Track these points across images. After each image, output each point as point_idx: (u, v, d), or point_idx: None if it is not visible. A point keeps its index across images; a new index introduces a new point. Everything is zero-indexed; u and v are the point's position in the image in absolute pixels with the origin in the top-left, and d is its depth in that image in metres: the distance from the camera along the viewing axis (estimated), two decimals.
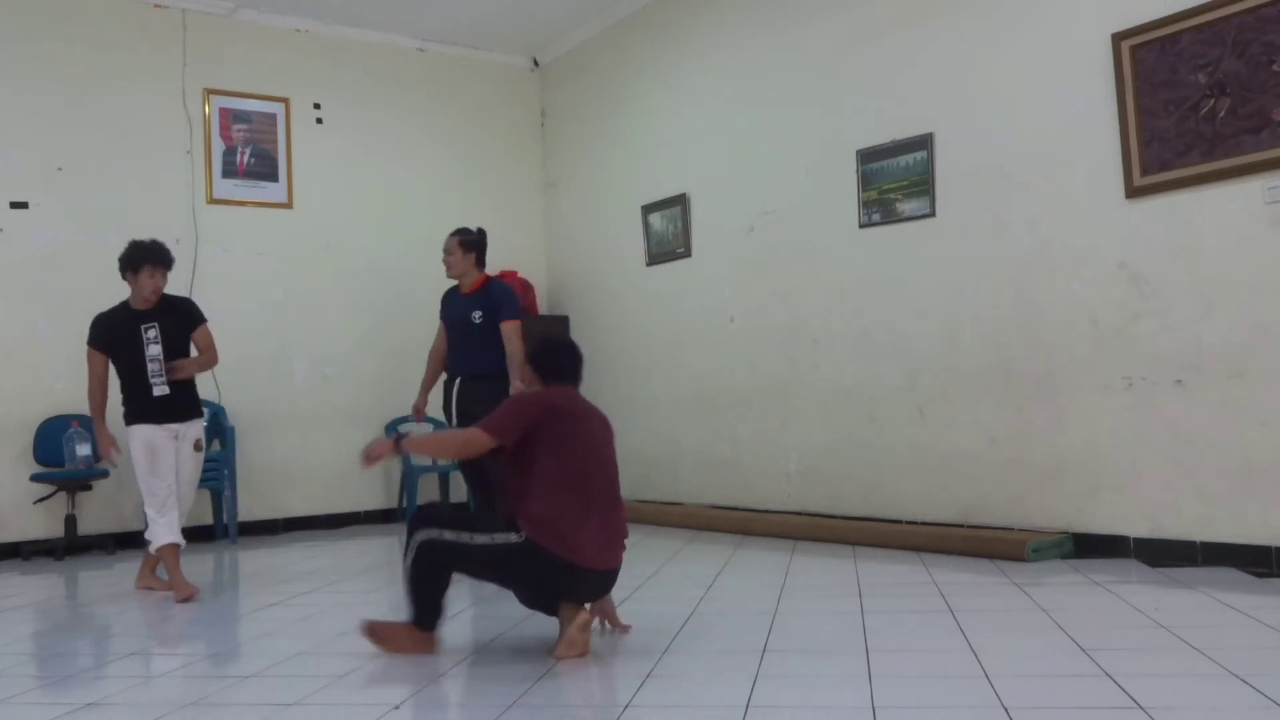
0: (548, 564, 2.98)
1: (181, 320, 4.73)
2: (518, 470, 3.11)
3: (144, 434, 4.54)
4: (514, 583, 3.14)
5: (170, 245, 4.75)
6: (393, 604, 4.31)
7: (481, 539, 3.02)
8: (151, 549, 4.57)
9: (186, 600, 4.41)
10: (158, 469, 4.53)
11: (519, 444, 3.08)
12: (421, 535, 3.08)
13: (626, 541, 3.25)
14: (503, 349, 5.13)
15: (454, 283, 5.43)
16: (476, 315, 5.19)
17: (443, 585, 3.12)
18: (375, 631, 3.19)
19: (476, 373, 5.13)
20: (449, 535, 3.05)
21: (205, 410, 6.54)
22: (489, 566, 3.07)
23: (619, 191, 7.41)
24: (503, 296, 5.30)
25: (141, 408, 4.57)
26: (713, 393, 6.55)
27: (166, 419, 4.59)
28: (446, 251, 5.38)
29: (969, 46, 5.01)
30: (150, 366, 4.57)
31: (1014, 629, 3.21)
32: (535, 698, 2.66)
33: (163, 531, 4.50)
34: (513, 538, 2.99)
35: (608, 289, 7.55)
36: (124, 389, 4.62)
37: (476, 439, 3.09)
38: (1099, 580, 3.91)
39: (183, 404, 4.67)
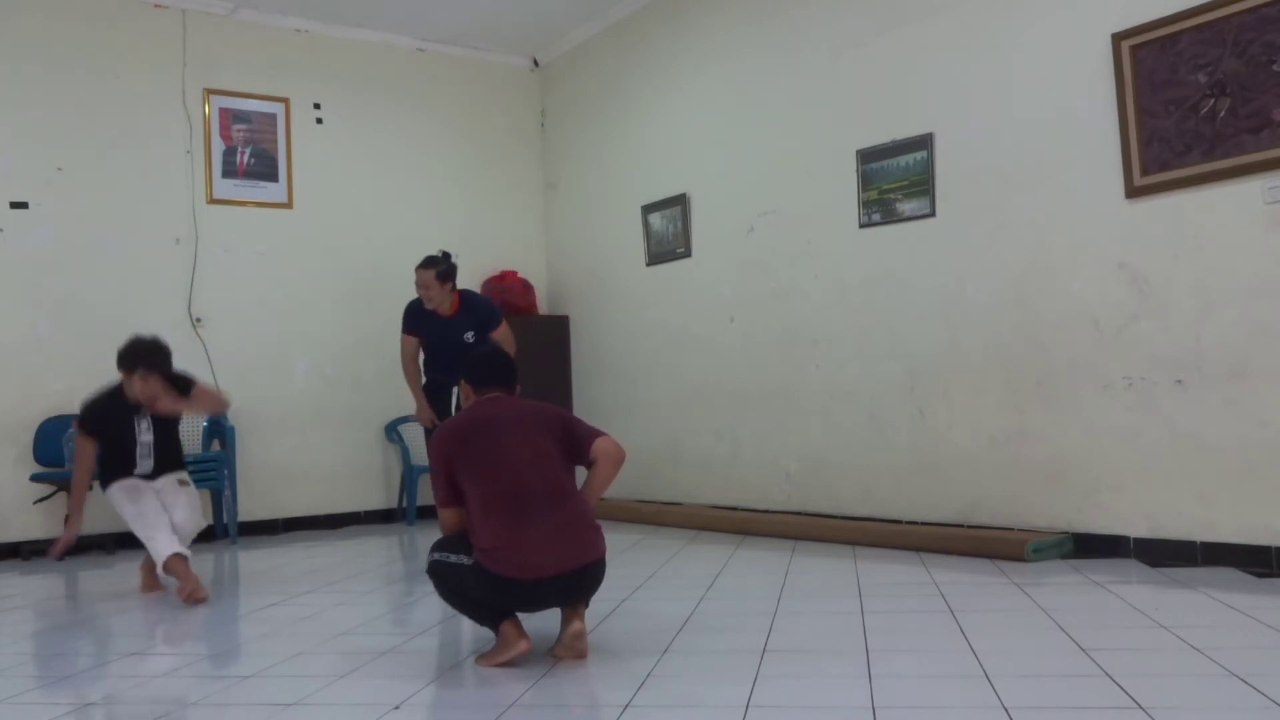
0: (500, 584, 2.93)
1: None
2: (465, 507, 3.10)
3: (120, 483, 4.62)
4: (479, 598, 3.05)
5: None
6: (392, 603, 4.32)
7: (453, 559, 3.04)
8: (159, 569, 4.43)
9: (194, 599, 4.32)
10: (140, 499, 4.54)
11: (455, 486, 3.08)
12: (427, 561, 3.14)
13: (596, 535, 3.07)
14: None
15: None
16: (469, 336, 5.52)
17: (467, 594, 3.05)
18: (485, 659, 3.07)
19: None
20: (436, 555, 3.11)
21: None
22: (470, 585, 3.03)
23: (619, 191, 7.41)
24: (485, 310, 5.68)
25: (121, 475, 4.66)
26: (713, 393, 6.55)
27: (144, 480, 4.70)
28: (424, 286, 5.52)
29: (969, 46, 5.01)
30: (140, 449, 4.66)
31: (1014, 629, 3.21)
32: (535, 698, 2.66)
33: (164, 544, 4.39)
34: (464, 560, 3.01)
35: (608, 289, 7.55)
36: (105, 460, 4.65)
37: (441, 516, 3.17)
38: (1099, 580, 3.90)
39: (162, 469, 4.72)
